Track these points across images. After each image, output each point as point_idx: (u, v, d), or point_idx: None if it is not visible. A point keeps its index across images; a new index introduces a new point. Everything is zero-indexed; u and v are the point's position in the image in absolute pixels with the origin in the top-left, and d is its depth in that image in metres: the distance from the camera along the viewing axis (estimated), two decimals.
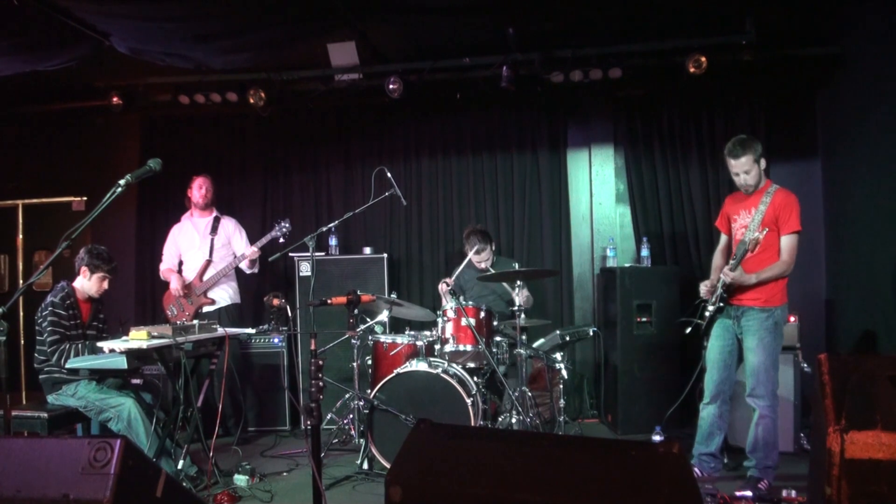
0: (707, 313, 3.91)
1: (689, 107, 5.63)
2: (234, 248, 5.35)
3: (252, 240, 5.34)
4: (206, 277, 5.19)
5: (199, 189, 5.26)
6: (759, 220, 3.69)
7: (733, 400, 4.04)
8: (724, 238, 4.08)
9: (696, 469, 3.88)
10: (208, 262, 5.20)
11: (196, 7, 4.01)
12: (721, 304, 3.80)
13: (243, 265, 5.22)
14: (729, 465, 4.05)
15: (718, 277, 3.83)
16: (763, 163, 3.74)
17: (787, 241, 3.66)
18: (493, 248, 5.01)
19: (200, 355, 4.13)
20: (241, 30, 4.44)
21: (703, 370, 3.96)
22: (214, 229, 5.29)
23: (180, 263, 5.36)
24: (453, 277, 4.79)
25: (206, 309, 5.17)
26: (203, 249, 5.24)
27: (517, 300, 4.21)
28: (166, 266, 5.34)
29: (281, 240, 5.01)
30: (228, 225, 5.38)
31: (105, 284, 4.11)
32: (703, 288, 3.93)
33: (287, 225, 5.04)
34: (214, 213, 5.37)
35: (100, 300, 4.20)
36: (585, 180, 5.93)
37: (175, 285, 5.15)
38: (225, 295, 5.26)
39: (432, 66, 5.20)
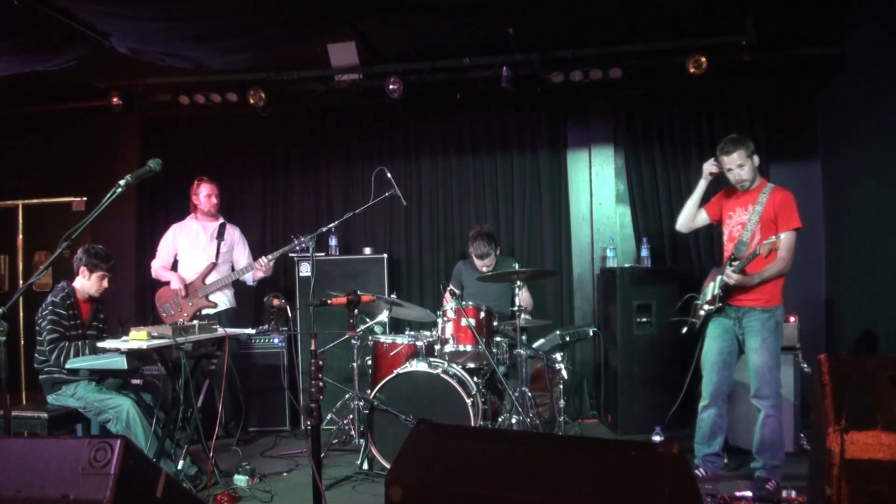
0: (702, 312, 3.91)
1: (689, 107, 5.64)
2: (234, 256, 5.35)
3: (254, 248, 5.31)
4: (209, 280, 5.15)
5: (207, 198, 5.22)
6: (756, 219, 3.68)
7: (732, 400, 4.04)
8: (703, 214, 4.05)
9: (700, 469, 3.86)
10: (213, 265, 5.16)
11: (196, 7, 4.00)
12: (720, 305, 3.79)
13: (248, 276, 5.19)
14: (729, 465, 4.04)
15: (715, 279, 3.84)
16: (756, 159, 3.75)
17: (786, 239, 3.60)
18: (497, 252, 5.00)
19: (200, 356, 4.13)
20: (241, 30, 4.44)
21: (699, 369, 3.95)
22: (221, 234, 5.27)
23: (174, 263, 5.31)
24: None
25: (205, 311, 5.13)
26: (209, 252, 5.20)
27: (517, 300, 4.22)
28: (161, 263, 5.26)
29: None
30: (234, 233, 5.38)
31: (105, 283, 4.11)
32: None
33: (305, 239, 4.87)
34: (221, 220, 5.36)
35: (100, 300, 4.21)
36: (585, 180, 5.93)
37: (177, 285, 5.09)
38: (224, 299, 5.24)
39: (432, 66, 5.20)
